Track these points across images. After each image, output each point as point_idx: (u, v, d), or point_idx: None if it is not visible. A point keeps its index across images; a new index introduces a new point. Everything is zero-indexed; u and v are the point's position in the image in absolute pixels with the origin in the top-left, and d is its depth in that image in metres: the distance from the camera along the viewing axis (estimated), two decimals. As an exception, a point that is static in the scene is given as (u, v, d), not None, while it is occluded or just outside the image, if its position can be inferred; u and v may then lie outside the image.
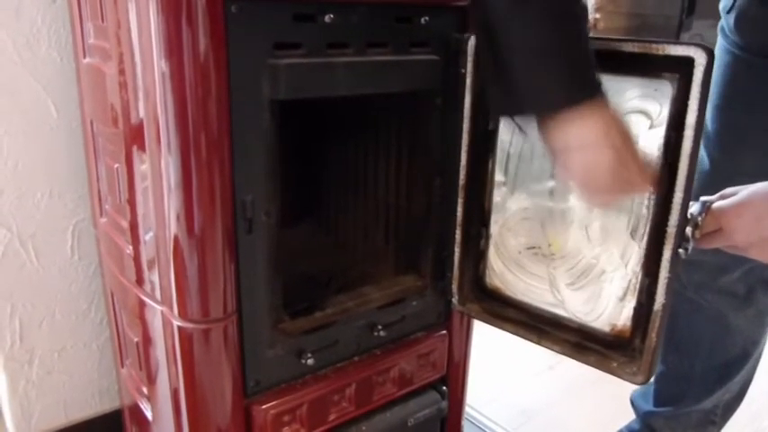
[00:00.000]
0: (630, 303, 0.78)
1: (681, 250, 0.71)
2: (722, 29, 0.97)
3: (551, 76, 0.64)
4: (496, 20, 0.65)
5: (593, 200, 0.75)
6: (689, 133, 0.67)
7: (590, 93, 0.64)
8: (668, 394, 1.16)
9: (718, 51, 0.97)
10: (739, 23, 0.92)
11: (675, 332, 1.12)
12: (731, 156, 0.97)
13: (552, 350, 0.85)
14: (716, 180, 0.98)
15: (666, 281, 0.72)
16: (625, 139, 0.67)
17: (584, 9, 0.67)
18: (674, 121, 0.69)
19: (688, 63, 0.66)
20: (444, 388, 1.05)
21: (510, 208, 0.88)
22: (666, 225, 0.71)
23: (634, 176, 0.68)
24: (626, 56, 0.71)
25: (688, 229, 0.70)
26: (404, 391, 1.00)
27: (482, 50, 0.74)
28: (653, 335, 0.75)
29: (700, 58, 0.65)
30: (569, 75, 0.64)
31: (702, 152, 1.01)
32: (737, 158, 0.96)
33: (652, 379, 1.17)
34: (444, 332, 1.02)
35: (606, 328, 0.81)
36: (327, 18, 0.74)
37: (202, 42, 0.66)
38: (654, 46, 0.69)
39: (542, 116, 0.67)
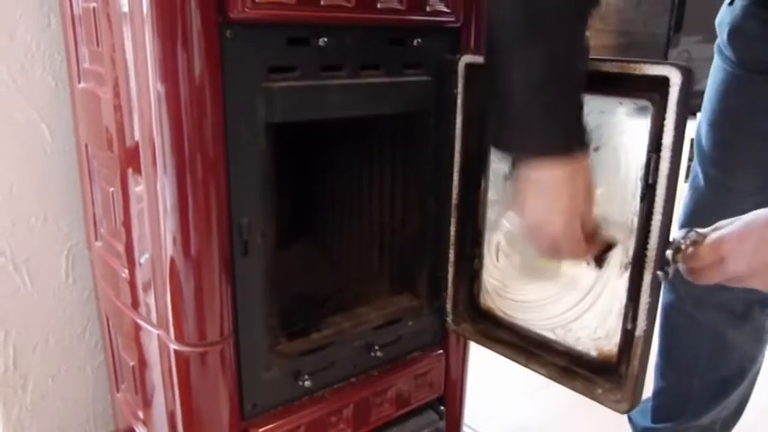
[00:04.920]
0: (617, 328, 0.76)
1: (660, 273, 0.69)
2: (718, 46, 0.98)
3: (542, 120, 0.65)
4: (502, 49, 0.66)
5: (534, 245, 0.74)
6: (666, 154, 0.66)
7: (571, 146, 0.66)
8: (666, 410, 1.16)
9: (713, 69, 0.99)
10: (732, 38, 0.93)
11: (674, 347, 1.12)
12: (725, 172, 0.98)
13: (540, 374, 0.84)
14: (711, 197, 1.00)
15: (647, 306, 0.71)
16: (586, 200, 0.67)
17: (587, 52, 0.68)
18: (654, 141, 0.68)
19: (665, 83, 0.65)
20: (442, 407, 1.05)
21: (503, 227, 0.89)
22: (647, 248, 0.70)
23: (576, 242, 0.68)
24: (607, 75, 0.71)
25: (669, 253, 0.68)
26: (401, 412, 0.99)
27: (484, 75, 0.73)
28: (635, 361, 0.73)
29: (675, 78, 0.64)
30: (558, 123, 0.65)
31: (698, 169, 1.02)
32: (732, 175, 0.97)
33: (650, 395, 1.17)
34: (441, 351, 1.02)
35: (593, 353, 0.80)
36: (321, 41, 0.75)
37: (198, 66, 0.66)
38: (631, 65, 0.68)
39: (521, 156, 0.68)
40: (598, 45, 2.63)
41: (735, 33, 0.93)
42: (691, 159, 2.58)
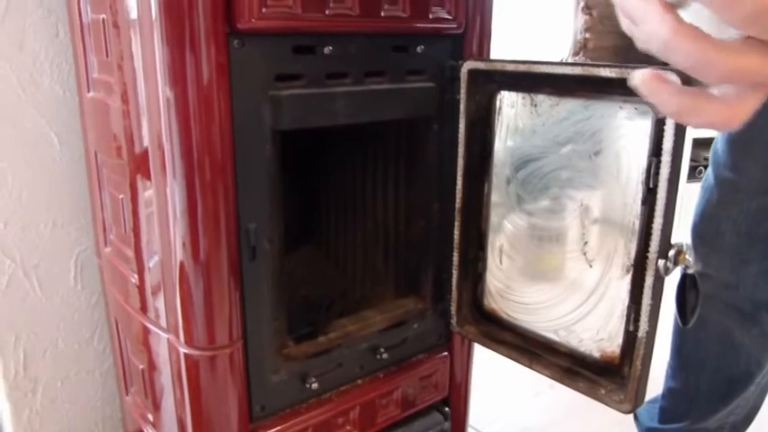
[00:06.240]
0: (619, 329, 0.77)
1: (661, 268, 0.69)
2: None
3: None
4: None
5: None
6: (666, 159, 0.67)
7: None
8: (674, 411, 1.17)
9: None
10: None
11: (683, 346, 1.13)
12: (735, 172, 0.99)
13: (543, 375, 0.85)
14: (720, 197, 1.01)
15: (649, 307, 0.72)
16: None
17: None
18: (655, 145, 0.69)
19: None
20: (447, 409, 1.06)
21: (506, 229, 0.90)
22: (648, 251, 0.70)
23: None
24: (607, 80, 0.71)
25: (671, 254, 0.69)
26: (407, 413, 1.00)
27: None
28: (638, 362, 0.74)
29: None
30: None
31: (710, 170, 1.03)
32: (740, 173, 0.98)
33: (659, 394, 1.19)
34: (446, 353, 1.03)
35: (596, 354, 0.81)
36: (326, 50, 0.76)
37: (206, 74, 0.68)
38: (630, 71, 0.69)
39: None
40: (600, 46, 2.64)
41: None
42: (693, 161, 2.58)
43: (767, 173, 0.96)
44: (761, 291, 1.03)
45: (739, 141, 0.98)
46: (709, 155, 1.05)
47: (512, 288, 0.91)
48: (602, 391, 0.79)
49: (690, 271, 0.70)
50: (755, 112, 0.95)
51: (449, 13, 0.85)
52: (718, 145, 1.02)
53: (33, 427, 1.11)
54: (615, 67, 0.71)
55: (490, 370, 1.35)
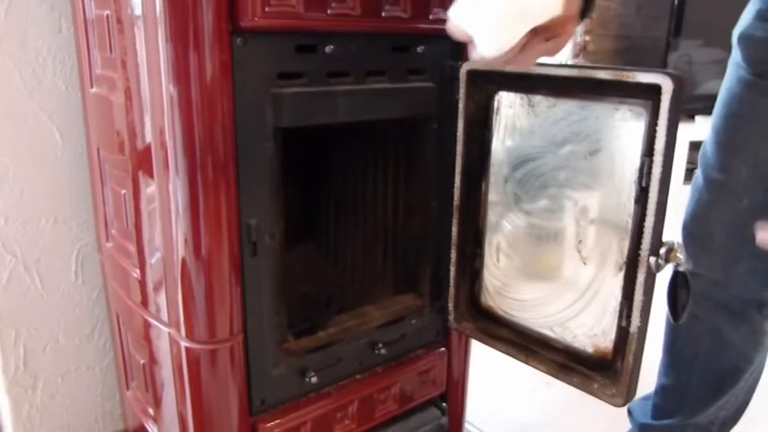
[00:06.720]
0: (612, 325, 0.79)
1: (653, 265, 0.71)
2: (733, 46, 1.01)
3: None
4: None
5: None
6: (658, 159, 0.68)
7: None
8: (666, 408, 1.18)
9: (725, 76, 1.01)
10: (741, 40, 0.96)
11: (675, 344, 1.14)
12: (723, 172, 1.00)
13: (539, 370, 0.87)
14: (710, 197, 1.03)
15: (641, 304, 0.73)
16: None
17: None
18: (647, 146, 0.71)
19: (657, 90, 0.67)
20: (444, 404, 1.07)
21: (504, 228, 0.91)
22: (640, 249, 0.72)
23: None
24: (603, 83, 0.73)
25: (662, 252, 0.71)
26: (405, 408, 1.01)
27: None
28: (630, 357, 0.76)
29: (666, 86, 0.66)
30: None
31: (699, 171, 1.05)
32: (729, 174, 1.00)
33: (652, 391, 1.20)
34: (443, 349, 1.04)
35: (590, 349, 0.82)
36: (328, 49, 0.77)
37: (209, 71, 0.69)
38: (625, 74, 0.70)
39: None
40: (598, 49, 2.66)
41: (744, 36, 0.95)
42: (689, 163, 2.60)
43: (755, 173, 0.97)
44: (749, 289, 1.05)
45: (727, 143, 0.99)
46: (699, 156, 1.06)
47: (508, 285, 0.92)
48: (596, 386, 0.81)
49: (681, 269, 0.72)
50: (742, 114, 0.97)
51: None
52: (707, 146, 1.03)
53: (33, 422, 1.12)
54: (610, 69, 0.72)
55: (487, 366, 1.36)
